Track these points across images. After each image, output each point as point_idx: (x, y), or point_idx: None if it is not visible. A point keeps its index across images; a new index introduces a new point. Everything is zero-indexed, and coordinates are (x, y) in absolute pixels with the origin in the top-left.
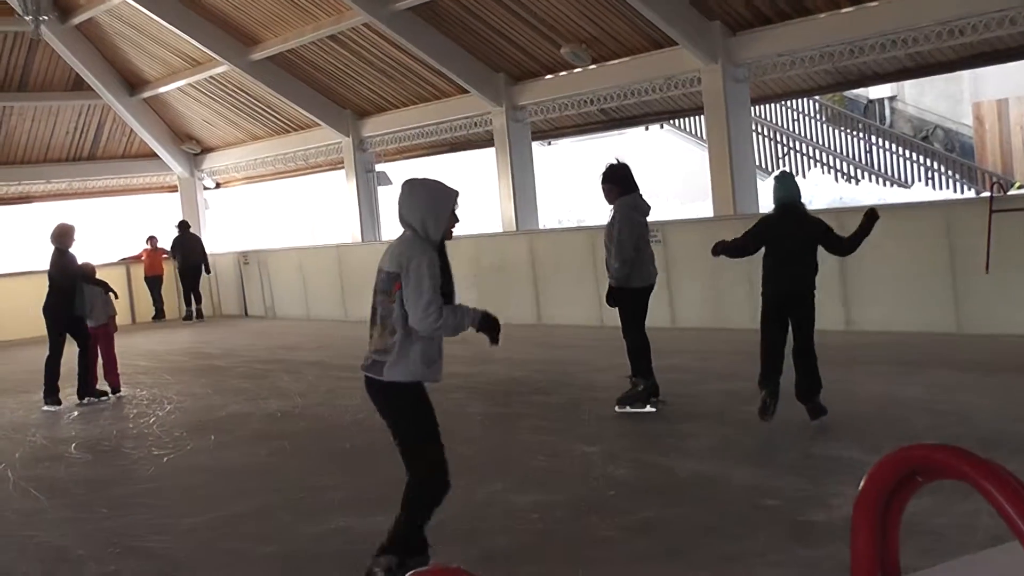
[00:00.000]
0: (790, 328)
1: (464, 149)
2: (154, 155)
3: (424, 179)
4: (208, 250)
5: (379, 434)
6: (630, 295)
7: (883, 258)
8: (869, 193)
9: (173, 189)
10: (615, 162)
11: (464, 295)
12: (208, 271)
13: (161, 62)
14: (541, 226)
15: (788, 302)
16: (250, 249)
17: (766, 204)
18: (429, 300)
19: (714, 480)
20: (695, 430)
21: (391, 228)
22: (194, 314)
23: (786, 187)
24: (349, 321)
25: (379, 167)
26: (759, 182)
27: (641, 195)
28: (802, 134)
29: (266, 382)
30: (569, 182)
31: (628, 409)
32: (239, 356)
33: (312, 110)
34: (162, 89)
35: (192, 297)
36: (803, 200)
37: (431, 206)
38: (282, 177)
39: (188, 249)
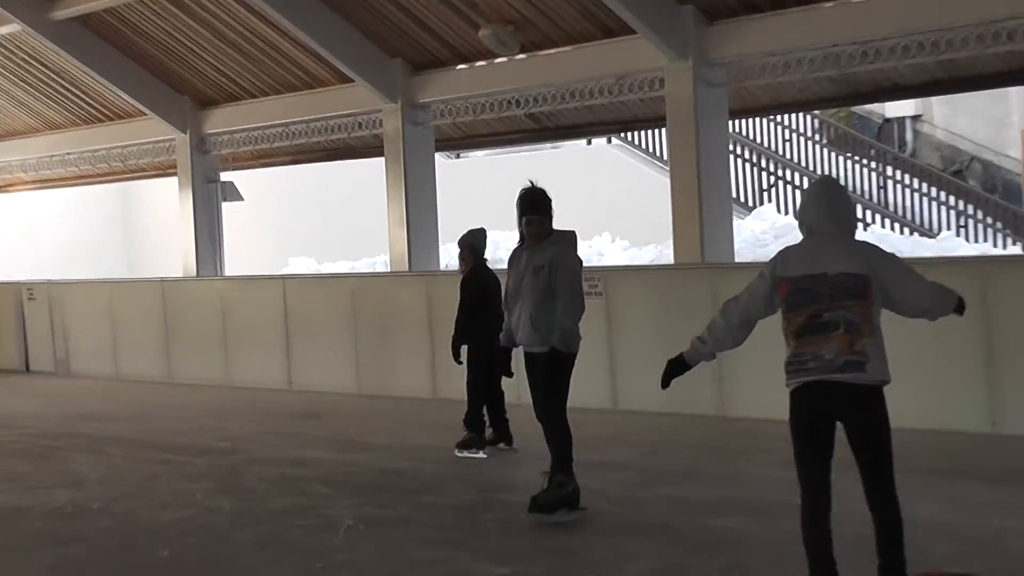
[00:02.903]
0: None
1: (344, 157)
2: None
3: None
4: None
5: (211, 537)
6: (571, 364)
7: (897, 333)
8: (880, 239)
9: None
10: (535, 186)
11: (335, 353)
12: None
13: None
14: (444, 266)
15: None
16: (37, 279)
17: (745, 249)
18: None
19: None
20: (636, 549)
21: (236, 257)
22: None
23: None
24: (175, 383)
25: (225, 176)
26: (737, 220)
27: None
28: (796, 160)
29: (53, 464)
30: (483, 209)
31: (547, 517)
32: (15, 427)
33: (136, 93)
34: None
35: None
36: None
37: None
38: (89, 182)
39: None
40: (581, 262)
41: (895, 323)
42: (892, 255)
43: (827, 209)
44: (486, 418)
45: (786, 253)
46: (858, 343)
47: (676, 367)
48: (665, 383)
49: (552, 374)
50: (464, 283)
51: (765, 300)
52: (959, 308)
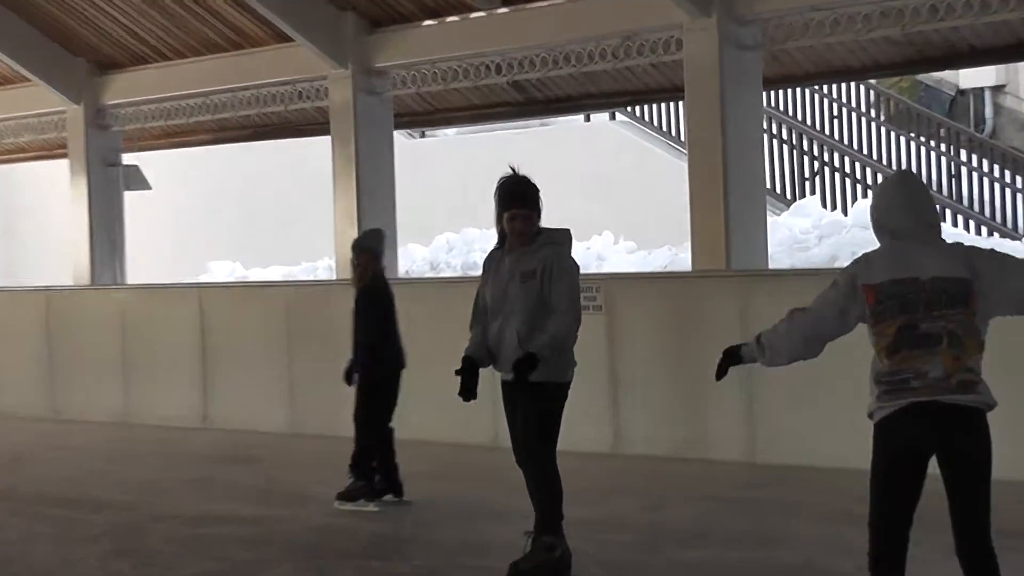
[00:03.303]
0: None
1: (280, 136)
2: None
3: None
4: None
5: None
6: (563, 396)
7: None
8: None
9: None
10: (519, 173)
11: (264, 381)
12: None
13: None
14: (402, 272)
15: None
16: None
17: (781, 252)
18: None
19: None
20: None
21: (141, 261)
22: None
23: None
24: (61, 419)
25: (129, 158)
26: (771, 216)
27: None
28: (846, 141)
29: None
30: (454, 200)
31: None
32: None
33: (17, 53)
34: None
35: None
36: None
37: None
38: None
39: None
40: (577, 267)
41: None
42: (992, 250)
43: (912, 207)
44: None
45: (868, 258)
46: (966, 359)
47: (733, 358)
48: (720, 374)
49: (540, 408)
50: (368, 294)
51: (837, 314)
52: None
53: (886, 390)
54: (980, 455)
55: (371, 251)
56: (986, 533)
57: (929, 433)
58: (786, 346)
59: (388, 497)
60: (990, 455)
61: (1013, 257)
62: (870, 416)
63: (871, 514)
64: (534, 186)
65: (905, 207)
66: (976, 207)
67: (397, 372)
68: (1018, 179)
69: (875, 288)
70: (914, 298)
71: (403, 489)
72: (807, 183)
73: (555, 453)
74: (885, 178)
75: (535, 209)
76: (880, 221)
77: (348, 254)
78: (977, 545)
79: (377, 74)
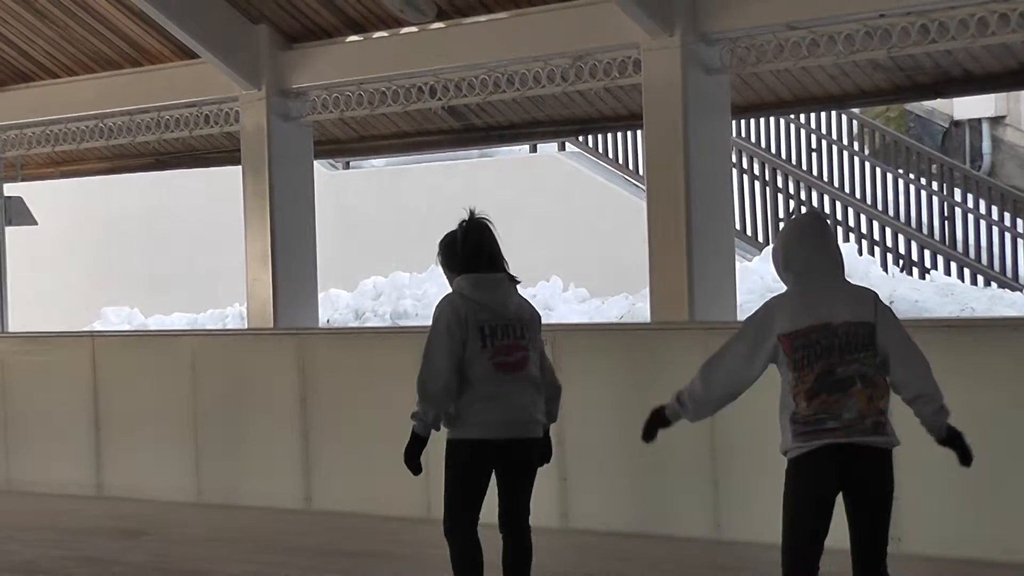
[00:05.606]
0: None
1: (183, 166)
2: None
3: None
4: None
5: None
6: (459, 456)
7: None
8: (944, 291)
9: None
10: (468, 223)
11: (165, 443)
12: None
13: None
14: (325, 321)
15: None
16: None
17: (751, 302)
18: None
19: None
20: None
21: (24, 305)
22: None
23: None
24: None
25: (11, 189)
26: (741, 262)
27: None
28: (826, 178)
29: None
30: (382, 240)
31: None
32: None
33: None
34: None
35: None
36: None
37: None
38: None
39: None
40: (441, 312)
41: None
42: (897, 324)
43: (820, 247)
44: None
45: (773, 309)
46: (878, 400)
47: (661, 419)
48: (649, 435)
49: (445, 468)
50: None
51: (747, 366)
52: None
53: (804, 431)
54: (883, 489)
55: None
56: (883, 560)
57: (840, 475)
58: (706, 405)
59: None
60: (892, 488)
61: (914, 341)
62: (784, 453)
63: (784, 551)
64: (443, 241)
65: (815, 246)
66: (972, 253)
67: None
68: (1019, 222)
69: (790, 336)
70: (828, 344)
71: None
72: (781, 224)
73: (468, 520)
74: (792, 219)
75: (443, 267)
76: (785, 263)
77: (261, 299)
78: (874, 571)
79: (294, 96)
